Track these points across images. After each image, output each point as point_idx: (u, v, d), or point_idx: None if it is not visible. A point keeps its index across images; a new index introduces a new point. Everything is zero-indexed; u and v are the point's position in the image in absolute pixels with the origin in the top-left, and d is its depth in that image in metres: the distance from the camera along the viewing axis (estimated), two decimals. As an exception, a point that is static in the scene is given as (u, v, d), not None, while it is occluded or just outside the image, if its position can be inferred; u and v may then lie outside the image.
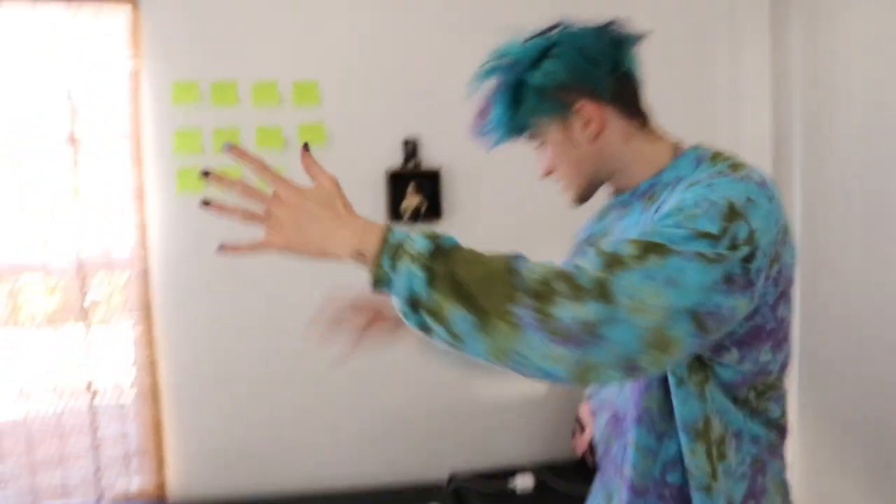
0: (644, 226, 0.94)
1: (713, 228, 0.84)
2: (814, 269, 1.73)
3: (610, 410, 1.13)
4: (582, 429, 2.30)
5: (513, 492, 2.15)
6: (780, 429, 1.04)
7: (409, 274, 0.81)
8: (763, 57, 1.85)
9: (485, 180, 2.37)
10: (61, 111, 2.14)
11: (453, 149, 2.33)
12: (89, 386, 2.24)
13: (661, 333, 0.80)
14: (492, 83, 1.07)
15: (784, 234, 0.93)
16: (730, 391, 0.99)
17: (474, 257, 0.83)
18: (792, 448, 1.87)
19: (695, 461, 0.98)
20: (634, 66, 1.06)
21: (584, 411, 2.31)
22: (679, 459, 1.01)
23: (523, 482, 2.16)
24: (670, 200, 0.93)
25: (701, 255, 0.83)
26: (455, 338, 0.81)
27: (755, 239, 0.86)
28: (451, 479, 2.28)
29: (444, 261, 0.82)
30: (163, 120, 2.19)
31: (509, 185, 2.37)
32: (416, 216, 2.28)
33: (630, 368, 0.81)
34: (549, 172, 1.10)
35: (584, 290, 0.79)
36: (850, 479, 1.67)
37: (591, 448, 2.26)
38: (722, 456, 0.99)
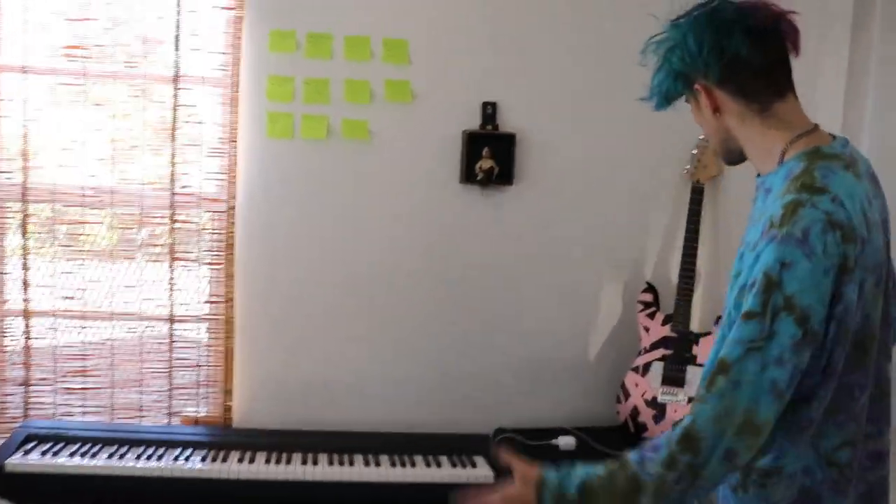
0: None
1: (756, 306, 1.00)
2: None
3: None
4: (626, 396, 2.37)
5: (556, 447, 2.23)
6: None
7: None
8: (842, 56, 1.90)
9: (557, 149, 2.44)
10: (166, 51, 2.29)
11: (529, 115, 2.40)
12: (170, 315, 2.39)
13: (748, 426, 0.99)
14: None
15: (842, 272, 1.01)
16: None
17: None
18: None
19: None
20: (747, 51, 1.12)
21: (629, 380, 2.38)
22: None
23: (566, 441, 2.25)
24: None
25: (752, 349, 0.99)
26: None
27: (794, 303, 0.99)
28: (498, 432, 2.38)
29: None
30: (258, 66, 2.31)
31: (580, 156, 2.44)
32: (488, 178, 2.36)
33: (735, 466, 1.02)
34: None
35: (675, 460, 1.00)
36: None
37: (633, 415, 2.34)
38: None
